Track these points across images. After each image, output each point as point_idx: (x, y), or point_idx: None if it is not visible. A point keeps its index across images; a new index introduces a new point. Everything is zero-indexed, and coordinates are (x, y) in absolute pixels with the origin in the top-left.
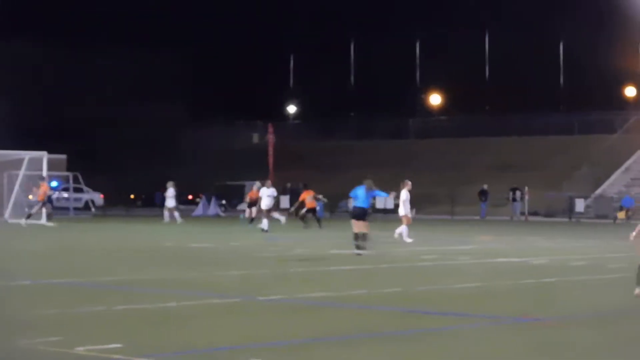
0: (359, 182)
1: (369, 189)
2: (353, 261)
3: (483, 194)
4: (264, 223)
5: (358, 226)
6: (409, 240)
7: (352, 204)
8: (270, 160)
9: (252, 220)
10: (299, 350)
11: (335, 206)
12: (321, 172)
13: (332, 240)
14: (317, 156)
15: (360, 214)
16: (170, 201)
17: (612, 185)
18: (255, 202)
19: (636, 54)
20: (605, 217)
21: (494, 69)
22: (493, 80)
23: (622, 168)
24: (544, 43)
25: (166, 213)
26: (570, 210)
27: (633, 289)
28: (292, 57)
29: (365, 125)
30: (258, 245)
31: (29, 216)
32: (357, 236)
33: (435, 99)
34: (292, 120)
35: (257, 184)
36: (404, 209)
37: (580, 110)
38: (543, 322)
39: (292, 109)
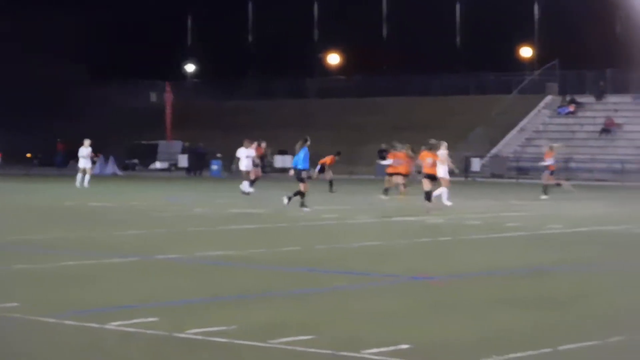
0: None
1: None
2: (252, 220)
3: (381, 152)
4: (245, 185)
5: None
6: (448, 203)
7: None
8: (168, 119)
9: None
10: (197, 309)
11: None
12: (221, 132)
13: (231, 200)
14: (216, 115)
15: (297, 176)
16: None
17: (507, 145)
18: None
19: (531, 14)
20: (500, 176)
21: (391, 29)
22: (390, 41)
23: (517, 128)
24: (441, 3)
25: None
26: (466, 170)
27: (528, 247)
28: (189, 16)
29: (264, 84)
30: (157, 205)
31: None
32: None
33: (333, 59)
34: (191, 79)
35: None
36: (442, 171)
37: (477, 70)
38: (437, 281)
39: (190, 67)
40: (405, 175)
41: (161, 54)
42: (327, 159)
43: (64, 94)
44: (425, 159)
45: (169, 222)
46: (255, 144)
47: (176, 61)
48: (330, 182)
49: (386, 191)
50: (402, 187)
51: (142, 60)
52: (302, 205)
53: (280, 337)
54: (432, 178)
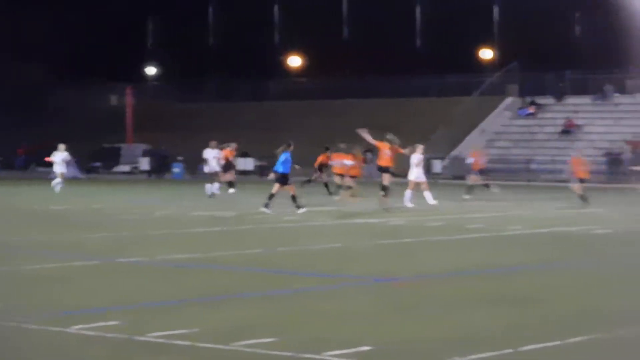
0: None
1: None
2: (215, 223)
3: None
4: (208, 188)
5: (276, 188)
6: (409, 205)
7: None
8: (129, 122)
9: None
10: (160, 312)
11: (195, 168)
12: (182, 134)
13: (194, 203)
14: (177, 118)
15: (279, 179)
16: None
17: (468, 147)
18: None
19: (491, 17)
20: (461, 178)
21: (352, 31)
22: (351, 43)
23: (478, 129)
24: (401, 6)
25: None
26: (427, 171)
27: (490, 248)
28: (149, 19)
29: (225, 86)
30: (119, 208)
31: None
32: (271, 195)
33: (294, 61)
34: (151, 82)
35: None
36: (413, 174)
37: (437, 72)
38: (401, 282)
39: (150, 70)
40: (353, 177)
41: (122, 57)
42: (322, 158)
43: (25, 96)
44: (383, 150)
45: (132, 225)
46: (232, 146)
47: (137, 64)
48: (326, 184)
49: (338, 189)
50: (347, 190)
51: (102, 63)
52: (266, 206)
53: (243, 340)
54: (387, 171)
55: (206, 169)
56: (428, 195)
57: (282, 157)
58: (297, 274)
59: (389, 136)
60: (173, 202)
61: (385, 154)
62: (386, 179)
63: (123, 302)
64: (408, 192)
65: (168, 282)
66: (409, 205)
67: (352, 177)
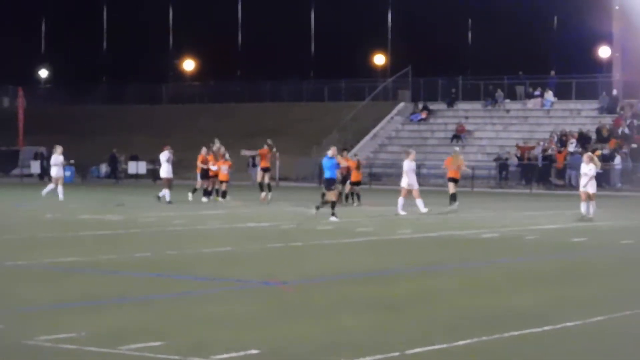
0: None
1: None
2: (103, 226)
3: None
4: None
5: (331, 195)
6: (402, 212)
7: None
8: (21, 125)
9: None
10: (46, 316)
11: (87, 172)
12: (73, 137)
13: (82, 205)
14: (69, 121)
15: (327, 184)
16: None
17: (360, 151)
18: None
19: (385, 22)
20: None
21: (246, 35)
22: (245, 47)
23: (370, 134)
24: (295, 10)
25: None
26: (319, 176)
27: (377, 252)
28: (43, 21)
29: (117, 90)
30: (6, 211)
31: None
32: (333, 204)
33: (188, 65)
34: (44, 84)
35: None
36: (405, 180)
37: (330, 77)
38: (288, 286)
39: (43, 73)
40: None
41: (14, 60)
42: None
43: None
44: (263, 154)
45: (19, 229)
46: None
47: (29, 67)
48: (346, 196)
49: (194, 191)
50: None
51: None
52: (333, 214)
53: (130, 344)
54: (266, 170)
55: (162, 174)
56: (420, 203)
57: (327, 162)
58: (183, 278)
59: (269, 141)
60: (62, 206)
61: (266, 156)
62: (263, 176)
63: (10, 305)
64: (400, 200)
65: (54, 286)
66: (402, 213)
67: (222, 181)
